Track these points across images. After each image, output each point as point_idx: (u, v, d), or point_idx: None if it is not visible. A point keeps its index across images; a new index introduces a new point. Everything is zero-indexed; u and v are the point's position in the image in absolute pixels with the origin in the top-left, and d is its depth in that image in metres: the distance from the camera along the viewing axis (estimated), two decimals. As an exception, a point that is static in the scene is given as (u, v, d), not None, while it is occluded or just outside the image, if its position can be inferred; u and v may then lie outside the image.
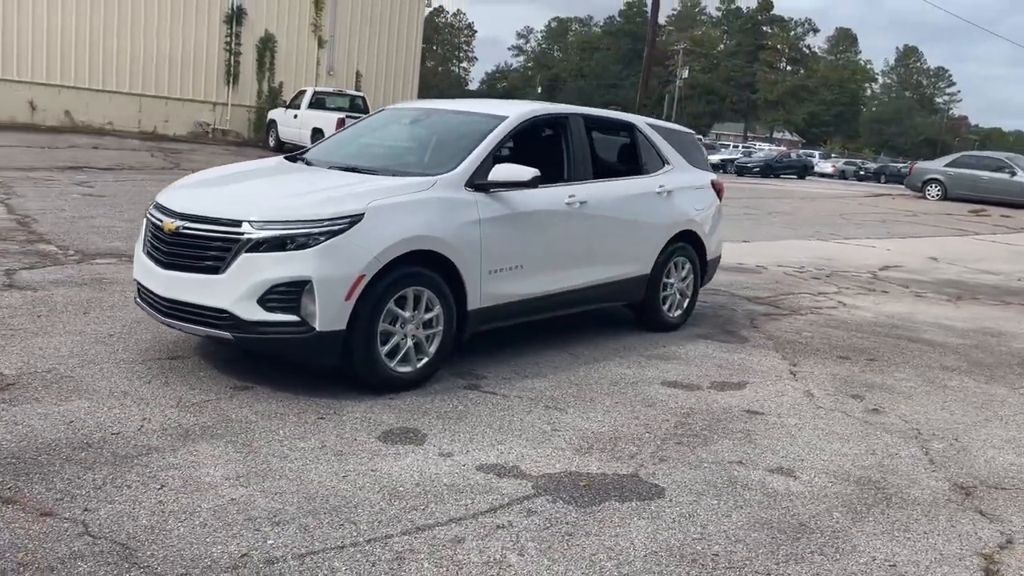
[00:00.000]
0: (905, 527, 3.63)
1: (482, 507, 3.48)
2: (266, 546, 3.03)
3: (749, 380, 5.63)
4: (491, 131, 5.42)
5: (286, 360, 4.89)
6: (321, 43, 24.35)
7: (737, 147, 57.94)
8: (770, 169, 43.24)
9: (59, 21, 20.82)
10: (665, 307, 6.72)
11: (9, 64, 20.56)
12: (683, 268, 6.82)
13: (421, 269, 4.78)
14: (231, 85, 23.24)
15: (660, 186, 6.51)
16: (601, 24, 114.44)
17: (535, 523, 3.38)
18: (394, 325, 4.71)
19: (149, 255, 4.79)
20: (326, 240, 4.41)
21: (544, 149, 5.99)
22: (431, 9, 26.78)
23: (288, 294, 4.37)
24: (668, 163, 6.72)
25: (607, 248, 6.03)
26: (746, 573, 3.13)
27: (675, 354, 6.13)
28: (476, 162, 5.17)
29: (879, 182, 51.09)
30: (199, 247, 4.51)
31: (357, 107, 21.36)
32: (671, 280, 6.72)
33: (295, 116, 20.92)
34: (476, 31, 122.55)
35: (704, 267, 7.08)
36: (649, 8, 21.32)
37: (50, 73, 21.08)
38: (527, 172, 5.15)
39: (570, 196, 5.71)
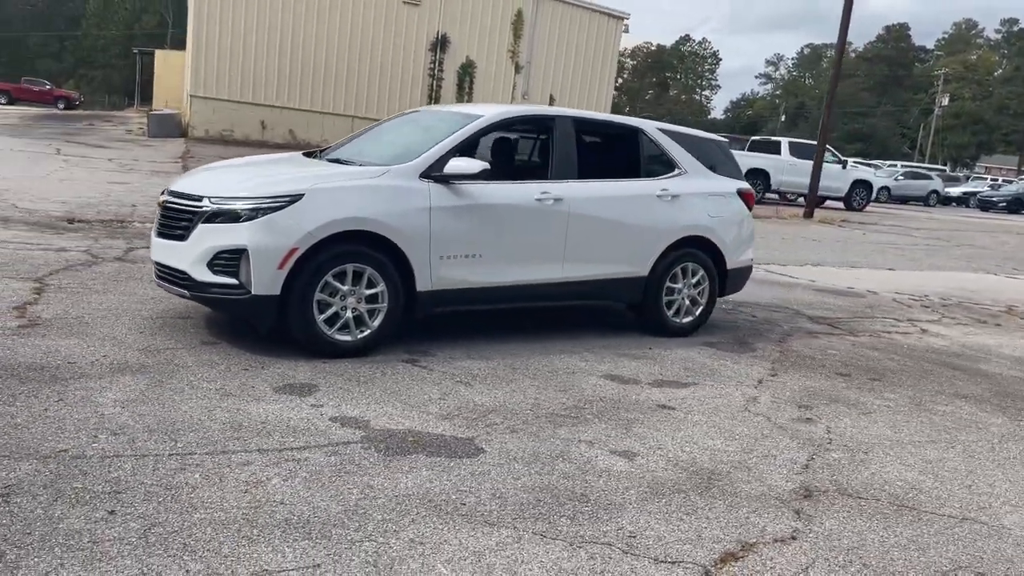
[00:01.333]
0: (691, 511, 3.61)
1: (296, 444, 3.92)
2: (88, 447, 3.67)
3: (702, 383, 5.57)
4: (459, 129, 5.84)
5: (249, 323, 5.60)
6: (518, 68, 25.58)
7: (988, 180, 52.63)
8: (1020, 204, 38.99)
9: (289, 52, 23.58)
10: (670, 312, 6.73)
11: (247, 89, 23.58)
12: (693, 275, 6.78)
13: (362, 248, 5.29)
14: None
15: (663, 190, 6.57)
16: (859, 49, 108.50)
17: (328, 461, 3.77)
18: (333, 297, 5.25)
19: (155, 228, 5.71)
20: (265, 215, 5.06)
21: (525, 148, 6.29)
22: (626, 32, 27.05)
23: (230, 260, 5.07)
24: (679, 168, 6.74)
25: (589, 246, 6.20)
26: (481, 521, 3.33)
27: (653, 355, 6.16)
28: (436, 155, 5.61)
29: None
30: (174, 218, 5.34)
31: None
32: (677, 285, 6.72)
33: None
34: (721, 59, 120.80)
35: (724, 276, 6.98)
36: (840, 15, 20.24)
37: (279, 96, 23.91)
38: (476, 165, 5.52)
39: (543, 193, 5.97)
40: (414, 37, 24.62)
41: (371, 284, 5.37)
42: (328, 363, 5.19)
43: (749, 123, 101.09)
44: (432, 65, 24.79)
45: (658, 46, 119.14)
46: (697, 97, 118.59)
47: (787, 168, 24.84)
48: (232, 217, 5.11)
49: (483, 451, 4.05)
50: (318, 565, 2.91)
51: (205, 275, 5.11)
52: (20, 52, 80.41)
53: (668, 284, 6.67)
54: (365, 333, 5.39)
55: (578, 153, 6.28)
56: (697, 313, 6.88)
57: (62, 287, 6.50)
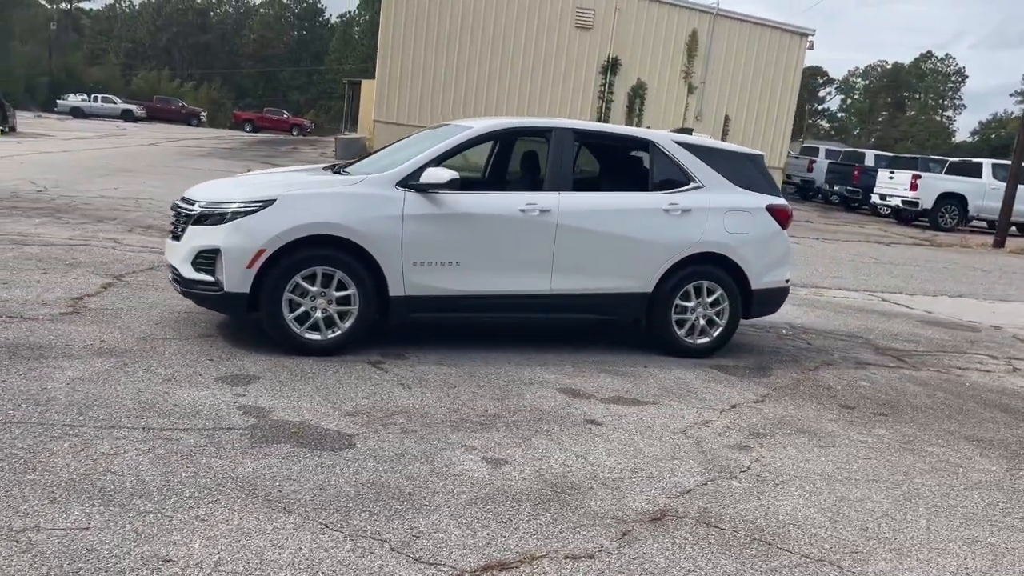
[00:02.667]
0: (505, 520, 3.52)
1: (183, 426, 4.23)
2: (3, 412, 4.19)
3: (664, 403, 5.32)
4: (446, 140, 5.98)
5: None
6: (691, 89, 25.11)
7: None
8: None
9: (464, 78, 24.67)
10: (681, 331, 6.45)
11: (424, 113, 24.92)
12: (710, 294, 6.46)
13: (332, 252, 5.57)
14: (605, 130, 25.16)
15: (672, 204, 6.32)
16: None
17: (196, 442, 4.03)
18: (303, 297, 5.57)
19: (176, 231, 6.32)
20: (238, 218, 5.48)
21: (517, 159, 6.31)
22: (810, 49, 25.71)
23: (208, 259, 5.53)
24: (695, 182, 6.46)
25: (581, 259, 6.10)
26: (281, 508, 3.46)
27: (640, 372, 5.95)
28: (414, 165, 5.79)
29: None
30: (176, 221, 5.90)
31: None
32: (690, 304, 6.43)
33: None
34: (967, 76, 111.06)
35: (748, 296, 6.58)
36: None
37: (455, 119, 24.99)
38: (445, 175, 5.65)
39: (528, 204, 5.97)
40: (585, 60, 24.91)
41: (343, 287, 5.62)
42: (292, 359, 5.49)
43: (998, 146, 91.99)
44: (602, 87, 24.94)
45: (894, 64, 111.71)
46: (938, 118, 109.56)
47: (989, 193, 22.50)
48: (216, 220, 5.57)
49: (353, 447, 4.16)
50: (87, 528, 3.17)
51: (190, 272, 5.61)
52: (274, 85, 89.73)
53: (679, 302, 6.40)
54: (335, 334, 5.65)
55: (576, 165, 6.22)
56: (715, 334, 6.54)
57: (131, 284, 7.31)
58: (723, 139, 24.02)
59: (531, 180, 6.15)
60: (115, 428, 4.11)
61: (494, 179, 7.17)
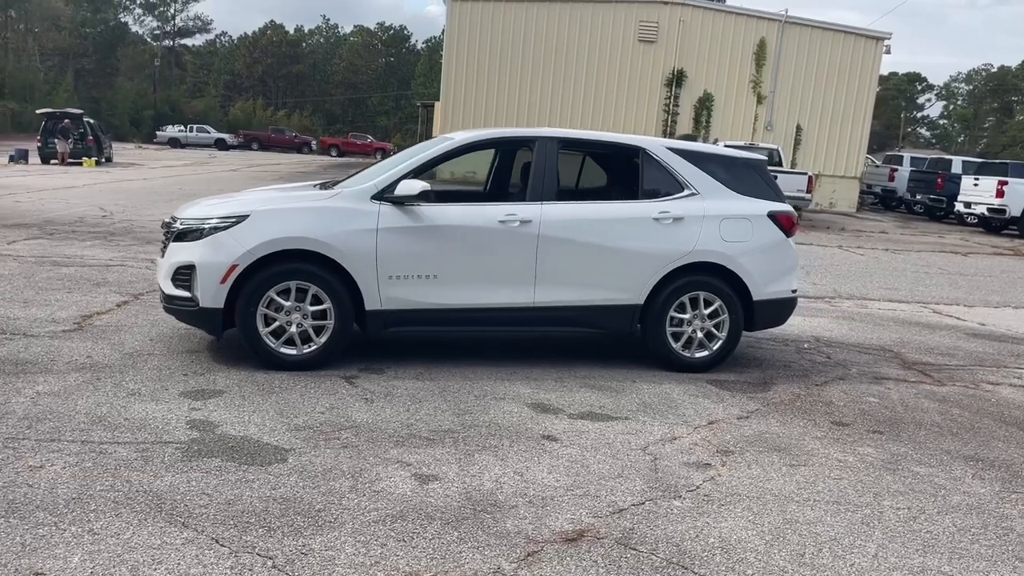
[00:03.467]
0: (404, 539, 3.38)
1: (123, 439, 4.24)
2: (-44, 425, 4.31)
3: (636, 418, 5.08)
4: (424, 152, 5.91)
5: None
6: (760, 99, 24.46)
7: None
8: None
9: (528, 95, 24.69)
10: (677, 344, 6.17)
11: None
12: (707, 305, 6.17)
13: (306, 266, 5.55)
14: (671, 143, 24.77)
15: (662, 212, 6.08)
16: None
17: (127, 456, 4.03)
18: (278, 312, 5.56)
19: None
20: (212, 234, 5.53)
21: (502, 170, 6.18)
22: (886, 54, 24.68)
23: (185, 274, 5.58)
24: (689, 189, 6.19)
25: (565, 270, 5.91)
26: (179, 523, 3.42)
27: (622, 387, 5.71)
28: (390, 178, 5.74)
29: None
30: (162, 239, 5.99)
31: (771, 160, 21.01)
32: (685, 316, 6.15)
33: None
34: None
35: (750, 308, 6.26)
36: None
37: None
38: (417, 187, 5.57)
39: (508, 215, 5.83)
40: (649, 74, 24.60)
41: (318, 301, 5.60)
42: (267, 374, 5.49)
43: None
44: (667, 100, 24.55)
45: (1000, 67, 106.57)
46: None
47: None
48: (195, 236, 5.63)
49: (284, 462, 4.09)
50: (-29, 538, 3.19)
51: (171, 288, 5.68)
52: (363, 110, 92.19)
53: (674, 314, 6.13)
54: (311, 348, 5.62)
55: (560, 174, 6.05)
56: (714, 348, 6.23)
57: (146, 302, 7.50)
58: (794, 149, 23.32)
59: (515, 190, 6.01)
60: (55, 441, 4.16)
61: (493, 191, 7.06)
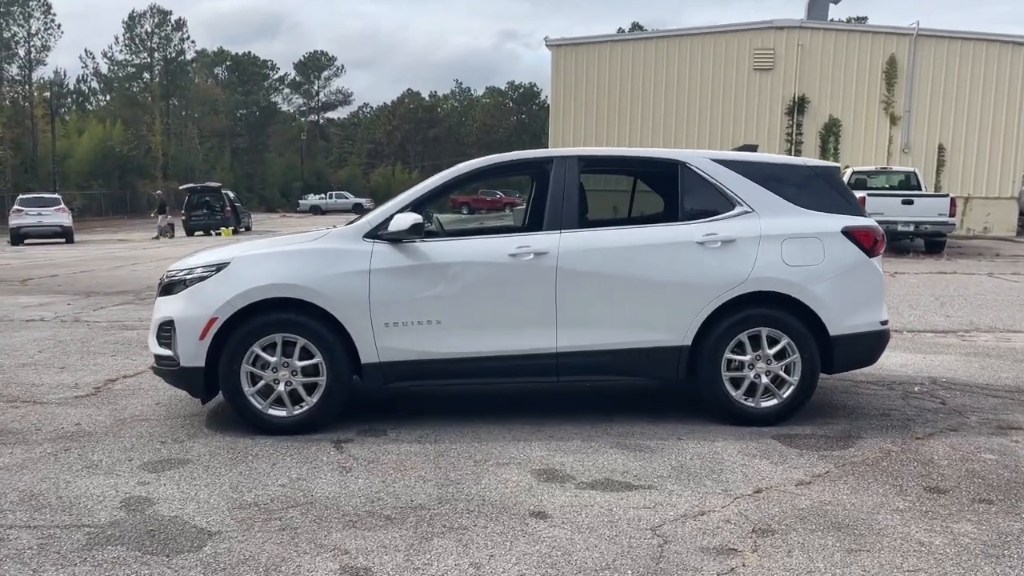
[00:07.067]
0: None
1: (36, 523, 3.67)
2: None
3: (662, 487, 4.08)
4: (427, 182, 5.22)
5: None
6: (894, 120, 22.49)
7: None
8: None
9: (640, 127, 23.79)
10: (737, 392, 5.11)
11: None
12: (772, 344, 5.10)
13: (291, 315, 4.93)
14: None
15: (707, 235, 5.09)
16: None
17: (25, 543, 3.45)
18: (264, 369, 4.95)
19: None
20: (192, 285, 5.01)
21: (534, 199, 5.40)
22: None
23: (166, 332, 5.07)
24: (741, 205, 5.18)
25: (592, 309, 5.02)
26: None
27: (662, 446, 4.72)
28: (385, 214, 5.07)
29: None
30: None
31: (908, 183, 19.12)
32: (746, 358, 5.09)
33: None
34: None
35: (827, 345, 5.13)
36: None
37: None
38: (407, 221, 4.88)
39: (520, 247, 5.02)
40: (768, 103, 23.16)
41: (308, 355, 4.96)
42: (252, 439, 4.88)
43: None
44: (789, 129, 23.00)
45: None
46: None
47: None
48: (178, 289, 5.13)
49: (198, 551, 3.40)
50: None
51: (155, 348, 5.19)
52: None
53: (731, 356, 5.10)
54: (302, 409, 4.97)
55: (583, 198, 5.20)
56: (784, 395, 5.12)
57: (182, 363, 7.12)
58: (938, 171, 21.30)
59: (530, 219, 5.21)
60: (-38, 525, 3.64)
61: (530, 223, 6.28)
